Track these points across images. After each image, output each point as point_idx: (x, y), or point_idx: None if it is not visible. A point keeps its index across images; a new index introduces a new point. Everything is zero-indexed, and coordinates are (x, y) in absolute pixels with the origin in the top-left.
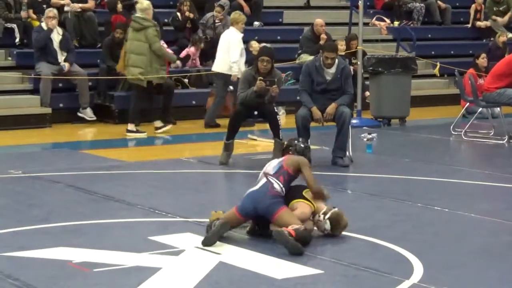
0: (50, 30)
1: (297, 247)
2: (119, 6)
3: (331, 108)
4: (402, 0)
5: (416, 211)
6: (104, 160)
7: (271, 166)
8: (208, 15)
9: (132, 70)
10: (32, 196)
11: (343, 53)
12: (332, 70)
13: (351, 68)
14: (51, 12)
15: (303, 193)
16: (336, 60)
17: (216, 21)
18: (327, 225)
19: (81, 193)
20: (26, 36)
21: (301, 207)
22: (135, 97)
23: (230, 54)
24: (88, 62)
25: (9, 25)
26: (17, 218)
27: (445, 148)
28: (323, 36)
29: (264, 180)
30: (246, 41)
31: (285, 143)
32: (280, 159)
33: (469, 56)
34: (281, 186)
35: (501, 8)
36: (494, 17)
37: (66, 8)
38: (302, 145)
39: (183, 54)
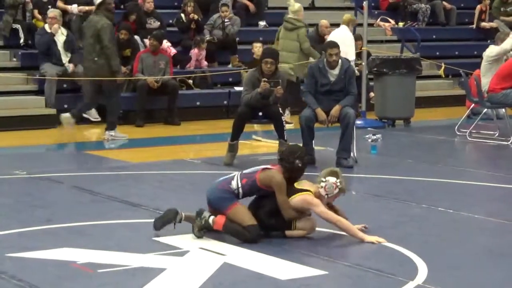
0: (51, 35)
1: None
2: (132, 17)
3: (335, 110)
4: (407, 1)
5: (421, 212)
6: (109, 161)
7: (252, 168)
8: (215, 15)
9: (283, 66)
10: (36, 196)
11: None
12: (336, 71)
13: (356, 68)
14: (52, 13)
15: (295, 186)
16: (340, 61)
17: (226, 20)
18: (332, 179)
19: (86, 193)
20: (30, 37)
21: (302, 198)
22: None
23: (348, 53)
24: None
25: (13, 25)
26: (21, 218)
27: (449, 149)
28: (327, 37)
29: (232, 174)
30: (250, 41)
31: (283, 149)
32: (264, 166)
33: (474, 57)
34: (239, 186)
35: (508, 9)
36: (502, 18)
37: (72, 8)
38: (298, 166)
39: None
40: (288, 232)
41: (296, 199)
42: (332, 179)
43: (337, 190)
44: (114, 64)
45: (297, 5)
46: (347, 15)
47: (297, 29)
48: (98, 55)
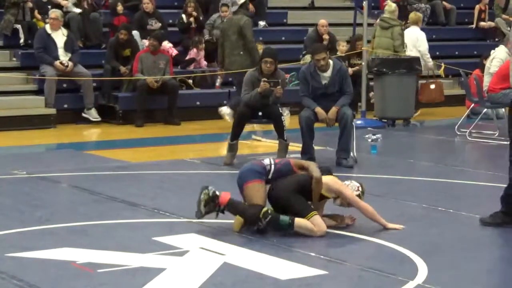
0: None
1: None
2: (120, 8)
3: (331, 112)
4: (407, 1)
5: (421, 212)
6: (109, 161)
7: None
8: (215, 15)
9: None
10: (36, 196)
11: (343, 54)
12: (328, 73)
13: (356, 68)
14: (54, 13)
15: None
16: (331, 62)
17: (225, 21)
18: (357, 184)
19: (85, 193)
20: (30, 37)
21: (331, 178)
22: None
23: (422, 50)
24: (93, 63)
25: (14, 25)
26: (21, 218)
27: (449, 149)
28: (326, 36)
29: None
30: None
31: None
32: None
33: (473, 56)
34: (271, 163)
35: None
36: (504, 16)
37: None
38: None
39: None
40: (297, 221)
41: (328, 178)
42: (356, 184)
43: (357, 192)
44: (256, 57)
45: (393, 5)
46: (412, 15)
47: (392, 27)
48: (242, 50)
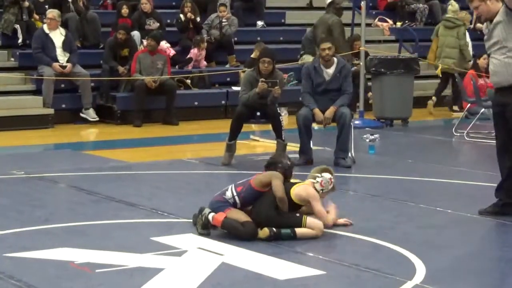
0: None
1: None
2: (124, 10)
3: (329, 112)
4: (405, 1)
5: (419, 212)
6: (107, 161)
7: (246, 178)
8: (213, 15)
9: (447, 61)
10: (34, 196)
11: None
12: (331, 69)
13: (355, 68)
14: (51, 13)
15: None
16: (335, 59)
17: (223, 20)
18: (327, 175)
19: (84, 194)
20: (29, 37)
21: (304, 187)
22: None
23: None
24: (91, 63)
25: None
26: (19, 218)
27: (447, 149)
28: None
29: (226, 187)
30: (248, 41)
31: (270, 159)
32: (258, 173)
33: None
34: (234, 194)
35: None
36: None
37: None
38: (288, 163)
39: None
40: (298, 230)
41: (299, 188)
42: (327, 175)
43: (331, 185)
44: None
45: (456, 5)
46: (461, 14)
47: (457, 27)
48: None
